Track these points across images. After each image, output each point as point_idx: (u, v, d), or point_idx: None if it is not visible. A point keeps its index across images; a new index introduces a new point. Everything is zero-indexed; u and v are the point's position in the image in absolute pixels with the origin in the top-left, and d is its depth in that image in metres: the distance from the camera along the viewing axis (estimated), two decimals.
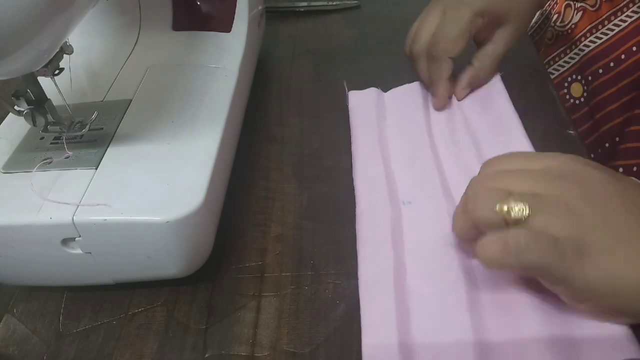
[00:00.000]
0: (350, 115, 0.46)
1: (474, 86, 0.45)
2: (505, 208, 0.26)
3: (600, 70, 0.51)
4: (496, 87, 0.45)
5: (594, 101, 0.52)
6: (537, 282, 0.29)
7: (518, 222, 0.26)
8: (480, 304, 0.31)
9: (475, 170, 0.38)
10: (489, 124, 0.42)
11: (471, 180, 0.31)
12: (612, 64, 0.50)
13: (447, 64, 0.42)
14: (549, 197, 0.27)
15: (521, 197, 0.26)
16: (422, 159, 0.41)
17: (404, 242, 0.35)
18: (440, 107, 0.44)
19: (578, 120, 0.54)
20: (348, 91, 0.48)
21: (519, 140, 0.40)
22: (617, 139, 0.49)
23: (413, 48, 0.44)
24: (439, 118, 0.44)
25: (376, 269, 0.33)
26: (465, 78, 0.44)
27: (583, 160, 0.29)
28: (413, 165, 0.40)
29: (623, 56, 0.49)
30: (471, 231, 0.30)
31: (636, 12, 0.48)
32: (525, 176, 0.28)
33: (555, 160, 0.29)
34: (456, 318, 0.30)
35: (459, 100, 0.45)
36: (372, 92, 0.47)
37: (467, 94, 0.45)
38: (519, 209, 0.26)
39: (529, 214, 0.26)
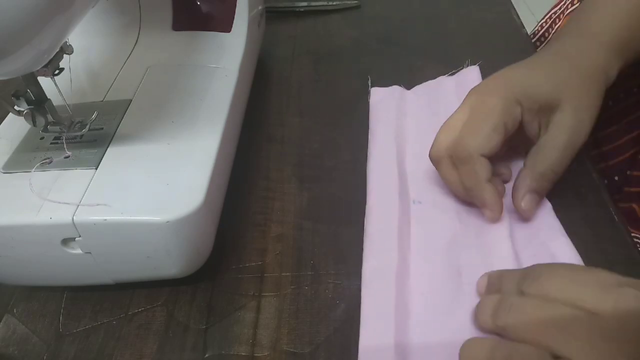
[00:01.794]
0: (370, 111, 0.46)
1: (539, 192, 0.34)
2: None
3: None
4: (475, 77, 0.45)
5: (600, 135, 0.51)
6: None
7: None
8: None
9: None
10: None
11: (508, 306, 0.27)
12: (610, 103, 0.49)
13: (481, 164, 0.33)
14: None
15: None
16: None
17: (410, 240, 0.35)
18: (495, 219, 0.34)
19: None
20: (371, 87, 0.48)
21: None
22: (628, 172, 0.48)
23: (431, 152, 0.36)
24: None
25: (379, 264, 0.33)
26: (522, 185, 0.34)
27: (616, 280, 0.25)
28: (427, 165, 0.40)
29: (622, 95, 0.49)
30: None
31: None
32: (567, 328, 0.24)
33: (587, 282, 0.25)
34: (457, 319, 0.30)
35: (525, 218, 0.35)
36: (394, 89, 0.47)
37: (533, 205, 0.34)
38: None
39: None
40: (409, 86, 0.48)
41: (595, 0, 0.40)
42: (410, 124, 0.44)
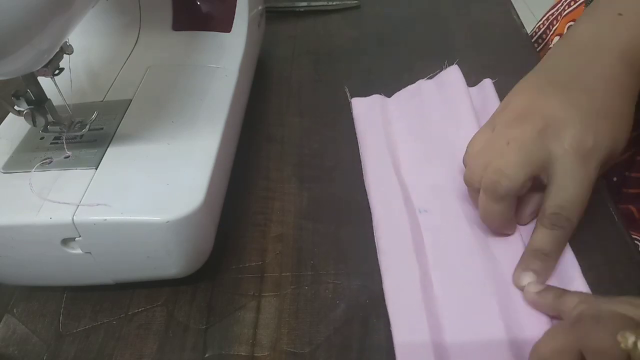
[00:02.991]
0: (356, 122, 0.45)
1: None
2: (632, 338, 0.21)
3: None
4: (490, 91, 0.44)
5: None
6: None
7: None
8: (511, 304, 0.31)
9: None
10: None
11: (582, 297, 0.27)
12: None
13: (571, 233, 0.32)
14: None
15: None
16: (434, 165, 0.40)
17: (426, 251, 0.35)
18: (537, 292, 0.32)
19: None
20: (351, 98, 0.48)
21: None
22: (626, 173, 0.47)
23: (500, 184, 0.31)
24: (450, 121, 0.43)
25: (401, 281, 0.33)
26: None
27: None
28: (426, 172, 0.40)
29: None
30: (570, 357, 0.24)
31: None
32: None
33: None
34: (487, 321, 0.30)
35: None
36: (376, 99, 0.47)
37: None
38: None
39: None
40: (407, 86, 0.48)
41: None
42: (398, 131, 0.44)
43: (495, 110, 0.36)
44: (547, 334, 0.26)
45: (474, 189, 0.34)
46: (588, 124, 0.30)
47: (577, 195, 0.31)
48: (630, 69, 0.32)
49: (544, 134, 0.31)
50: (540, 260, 0.31)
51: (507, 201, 0.31)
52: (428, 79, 0.47)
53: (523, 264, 0.32)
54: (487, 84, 0.45)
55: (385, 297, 0.33)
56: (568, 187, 0.31)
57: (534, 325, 0.30)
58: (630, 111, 0.32)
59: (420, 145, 0.42)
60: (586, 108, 0.31)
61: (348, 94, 0.48)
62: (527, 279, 0.31)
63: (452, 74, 0.46)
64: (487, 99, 0.44)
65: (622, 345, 0.21)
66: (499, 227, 0.34)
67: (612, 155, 0.31)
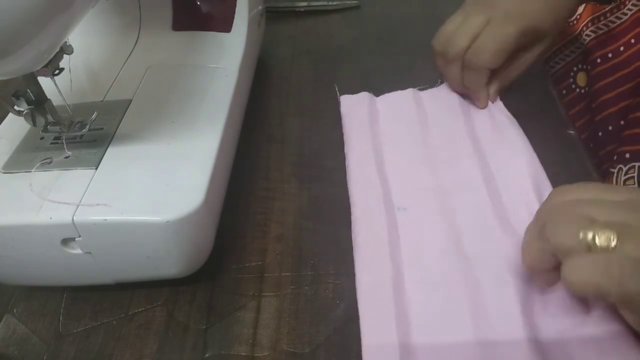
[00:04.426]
0: (343, 120, 0.46)
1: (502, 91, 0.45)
2: (590, 235, 0.25)
3: (599, 60, 0.51)
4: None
5: (593, 89, 0.52)
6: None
7: (604, 251, 0.24)
8: (482, 307, 0.31)
9: (475, 178, 0.37)
10: (492, 131, 0.42)
11: (544, 205, 0.29)
12: (610, 55, 0.50)
13: (486, 74, 0.42)
14: (637, 226, 0.25)
15: (607, 225, 0.25)
16: (417, 165, 0.40)
17: (401, 249, 0.35)
18: (484, 106, 0.45)
19: (583, 110, 0.54)
20: (339, 95, 0.48)
21: (522, 150, 0.40)
22: (622, 122, 0.49)
23: (449, 50, 0.42)
24: (435, 125, 0.44)
25: (374, 277, 0.33)
26: (495, 86, 0.44)
27: None
28: (407, 171, 0.40)
29: (622, 48, 0.49)
30: (546, 260, 0.28)
31: (636, 5, 0.48)
32: (608, 205, 0.26)
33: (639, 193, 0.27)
34: (457, 321, 0.30)
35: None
36: (364, 96, 0.47)
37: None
38: (605, 237, 0.24)
39: (616, 242, 0.24)
40: (408, 86, 0.48)
41: None
42: (385, 131, 0.44)
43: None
44: (524, 245, 0.30)
45: (437, 52, 0.44)
46: None
47: (489, 45, 0.41)
48: None
49: (488, 3, 0.41)
50: (469, 91, 0.44)
51: (456, 62, 0.42)
52: (419, 89, 0.47)
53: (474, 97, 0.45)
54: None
55: (357, 295, 0.33)
56: (483, 39, 0.40)
57: (505, 326, 0.30)
58: (563, 3, 0.41)
59: (405, 144, 0.42)
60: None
61: (337, 92, 0.48)
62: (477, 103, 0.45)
63: (444, 90, 0.47)
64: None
65: (582, 239, 0.25)
66: (458, 85, 0.45)
67: (533, 27, 0.41)
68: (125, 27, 0.47)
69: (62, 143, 0.35)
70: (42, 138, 0.36)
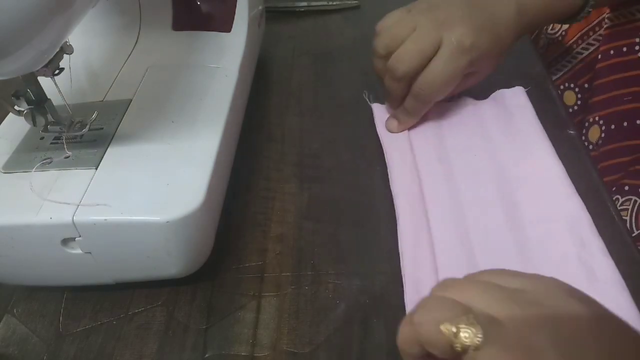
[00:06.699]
0: (377, 127, 0.45)
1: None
2: (453, 329, 0.22)
3: (586, 85, 0.51)
4: (521, 101, 0.44)
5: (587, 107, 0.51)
6: None
7: (465, 350, 0.22)
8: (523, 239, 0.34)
9: (487, 179, 0.39)
10: (513, 140, 0.42)
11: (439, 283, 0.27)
12: (606, 69, 0.49)
13: (430, 105, 0.42)
14: (510, 328, 0.22)
15: (477, 319, 0.22)
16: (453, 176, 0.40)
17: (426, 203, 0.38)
18: (398, 132, 0.44)
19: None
20: (371, 103, 0.47)
21: (545, 158, 0.39)
22: (625, 123, 0.48)
23: (397, 67, 0.40)
24: (461, 135, 0.43)
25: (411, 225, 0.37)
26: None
27: (567, 290, 0.24)
28: (444, 182, 0.40)
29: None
30: (415, 346, 0.24)
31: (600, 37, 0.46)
32: (492, 292, 0.24)
33: (535, 283, 0.24)
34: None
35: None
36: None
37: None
38: (468, 335, 0.21)
39: (479, 343, 0.21)
40: None
41: None
42: (416, 138, 0.43)
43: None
44: (400, 325, 0.26)
45: (379, 56, 0.43)
46: (475, 29, 0.39)
47: (440, 78, 0.40)
48: (520, 10, 0.41)
49: (441, 24, 0.39)
50: (404, 115, 0.43)
51: (403, 82, 0.41)
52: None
53: (393, 116, 0.44)
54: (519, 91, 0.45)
55: (398, 235, 0.36)
56: (435, 71, 0.39)
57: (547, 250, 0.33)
58: (507, 38, 0.41)
59: (442, 166, 0.41)
60: (479, 17, 0.40)
61: (367, 100, 0.47)
62: (394, 124, 0.44)
63: (516, 98, 0.45)
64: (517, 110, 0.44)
65: (445, 332, 0.22)
66: (395, 102, 0.44)
67: (480, 59, 0.40)
68: (125, 27, 0.47)
69: (62, 143, 0.35)
70: (42, 138, 0.36)
